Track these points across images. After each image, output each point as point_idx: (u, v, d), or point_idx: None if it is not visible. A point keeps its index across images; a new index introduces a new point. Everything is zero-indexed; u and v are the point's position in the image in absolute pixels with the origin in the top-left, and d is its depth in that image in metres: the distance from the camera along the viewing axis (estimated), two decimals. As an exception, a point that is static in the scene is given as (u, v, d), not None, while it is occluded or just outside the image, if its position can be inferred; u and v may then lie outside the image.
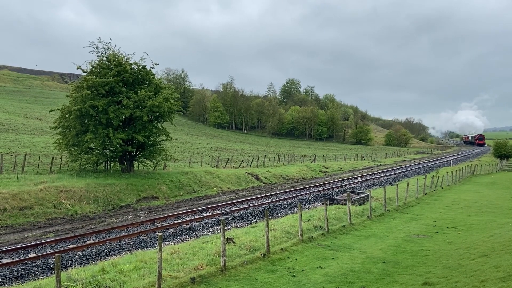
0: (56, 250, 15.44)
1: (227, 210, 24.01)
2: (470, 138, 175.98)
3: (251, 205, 25.84)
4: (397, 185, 26.27)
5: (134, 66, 30.21)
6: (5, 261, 14.08)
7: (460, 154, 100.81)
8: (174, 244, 16.11)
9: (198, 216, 21.98)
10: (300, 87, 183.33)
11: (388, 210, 22.24)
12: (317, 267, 12.05)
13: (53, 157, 31.34)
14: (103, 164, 30.93)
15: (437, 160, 77.18)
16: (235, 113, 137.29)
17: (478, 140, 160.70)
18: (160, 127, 31.73)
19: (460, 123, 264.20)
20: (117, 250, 16.07)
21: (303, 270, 11.80)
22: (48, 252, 15.20)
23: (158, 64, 31.63)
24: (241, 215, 22.99)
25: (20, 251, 15.46)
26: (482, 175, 49.36)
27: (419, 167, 58.75)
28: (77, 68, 29.80)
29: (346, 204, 19.56)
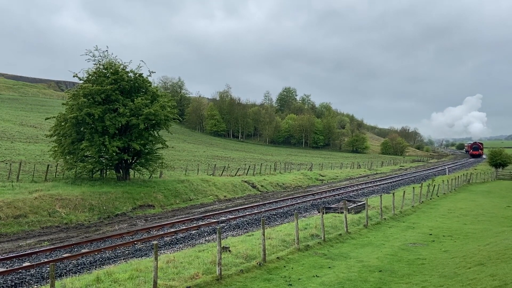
0: (51, 259, 15.30)
1: (223, 218, 23.92)
2: None
3: (247, 213, 25.76)
4: (393, 193, 26.28)
5: (131, 74, 30.27)
6: (-2, 270, 13.93)
7: (456, 162, 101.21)
8: (170, 253, 16.02)
9: (194, 225, 21.88)
10: (296, 95, 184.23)
11: (385, 219, 22.24)
12: (314, 276, 12.01)
13: (48, 165, 31.19)
14: (99, 172, 30.83)
15: (433, 168, 77.44)
16: (231, 121, 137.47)
17: (472, 150, 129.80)
18: (157, 135, 31.71)
19: (436, 128, 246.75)
20: (112, 259, 15.95)
21: (299, 279, 11.75)
22: (42, 261, 15.05)
23: (154, 72, 31.75)
24: (237, 223, 22.90)
25: (14, 259, 15.31)
26: (477, 184, 49.50)
27: (415, 176, 58.89)
28: (74, 76, 29.88)
29: (343, 212, 19.56)
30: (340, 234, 17.66)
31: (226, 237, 18.71)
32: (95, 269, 14.10)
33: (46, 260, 15.27)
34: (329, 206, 27.28)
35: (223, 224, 22.42)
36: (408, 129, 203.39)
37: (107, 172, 31.41)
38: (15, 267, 14.22)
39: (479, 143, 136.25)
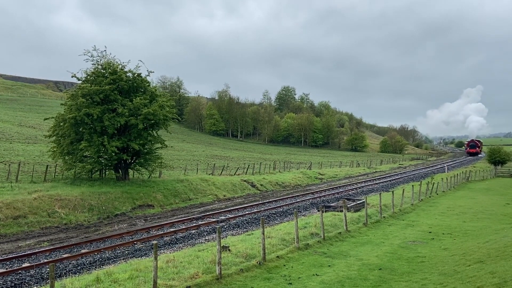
0: (50, 260, 15.30)
1: (223, 217, 23.92)
2: None
3: (247, 212, 25.77)
4: (393, 191, 26.30)
5: (129, 74, 30.22)
6: (-2, 271, 13.92)
7: (455, 160, 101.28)
8: (170, 253, 16.02)
9: (194, 224, 21.87)
10: (295, 94, 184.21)
11: (384, 217, 22.25)
12: (314, 275, 12.01)
13: (47, 166, 31.16)
14: (98, 172, 30.80)
15: (432, 166, 77.48)
16: (230, 121, 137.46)
17: (469, 148, 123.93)
18: (156, 134, 31.68)
19: (433, 126, 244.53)
20: (112, 259, 15.94)
21: (299, 277, 11.75)
22: (42, 262, 15.05)
23: (153, 71, 31.71)
24: (237, 222, 22.90)
25: (14, 260, 15.30)
26: (476, 181, 49.58)
27: (414, 174, 58.93)
28: (72, 76, 29.84)
29: (342, 211, 19.57)
30: (340, 233, 17.67)
31: (226, 237, 18.71)
32: (95, 269, 14.10)
33: (45, 260, 15.26)
34: (329, 204, 27.29)
35: (223, 224, 22.42)
36: (407, 128, 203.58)
37: (106, 172, 31.37)
38: (15, 268, 14.22)
39: (477, 140, 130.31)
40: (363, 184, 43.44)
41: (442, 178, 39.73)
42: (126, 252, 16.88)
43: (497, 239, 14.99)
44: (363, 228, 19.35)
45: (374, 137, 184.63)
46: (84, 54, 29.76)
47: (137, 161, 30.94)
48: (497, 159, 68.64)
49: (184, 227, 21.29)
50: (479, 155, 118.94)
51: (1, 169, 31.72)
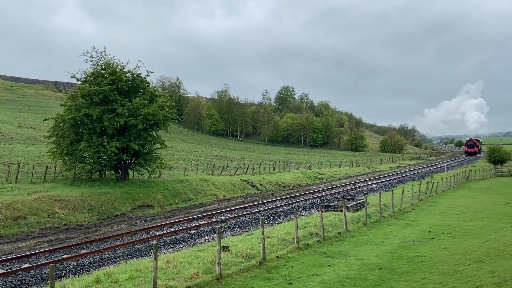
0: (50, 260, 15.30)
1: (222, 218, 23.92)
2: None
3: (246, 212, 25.77)
4: (392, 191, 26.31)
5: (129, 74, 30.23)
6: (-2, 272, 13.91)
7: (455, 160, 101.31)
8: (170, 253, 16.02)
9: (194, 224, 21.87)
10: (295, 94, 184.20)
11: (384, 217, 22.26)
12: (314, 275, 12.02)
13: (47, 166, 31.16)
14: (98, 173, 30.80)
15: (432, 166, 77.47)
16: (230, 121, 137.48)
17: (468, 148, 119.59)
18: (155, 135, 31.68)
19: (431, 126, 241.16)
20: (112, 259, 15.94)
21: (299, 277, 11.76)
22: (42, 262, 15.04)
23: (152, 72, 31.72)
24: (237, 222, 22.91)
25: (13, 261, 15.30)
26: (476, 181, 49.60)
27: (414, 173, 58.93)
28: (72, 77, 29.85)
29: (342, 210, 19.58)
30: (340, 233, 17.68)
31: (226, 237, 18.72)
32: (95, 270, 14.10)
33: (45, 261, 15.26)
34: (329, 204, 27.30)
35: (223, 224, 22.42)
36: (407, 127, 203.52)
37: (106, 173, 31.37)
38: (15, 269, 14.21)
39: (475, 140, 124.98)
40: (362, 184, 43.45)
41: (442, 178, 39.75)
42: (126, 252, 16.88)
43: (496, 238, 15.01)
44: (363, 227, 19.36)
45: (373, 136, 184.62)
46: (84, 55, 29.81)
47: (136, 161, 30.94)
48: (496, 158, 68.65)
49: (184, 227, 21.29)
50: (478, 155, 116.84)
51: (1, 170, 31.72)
